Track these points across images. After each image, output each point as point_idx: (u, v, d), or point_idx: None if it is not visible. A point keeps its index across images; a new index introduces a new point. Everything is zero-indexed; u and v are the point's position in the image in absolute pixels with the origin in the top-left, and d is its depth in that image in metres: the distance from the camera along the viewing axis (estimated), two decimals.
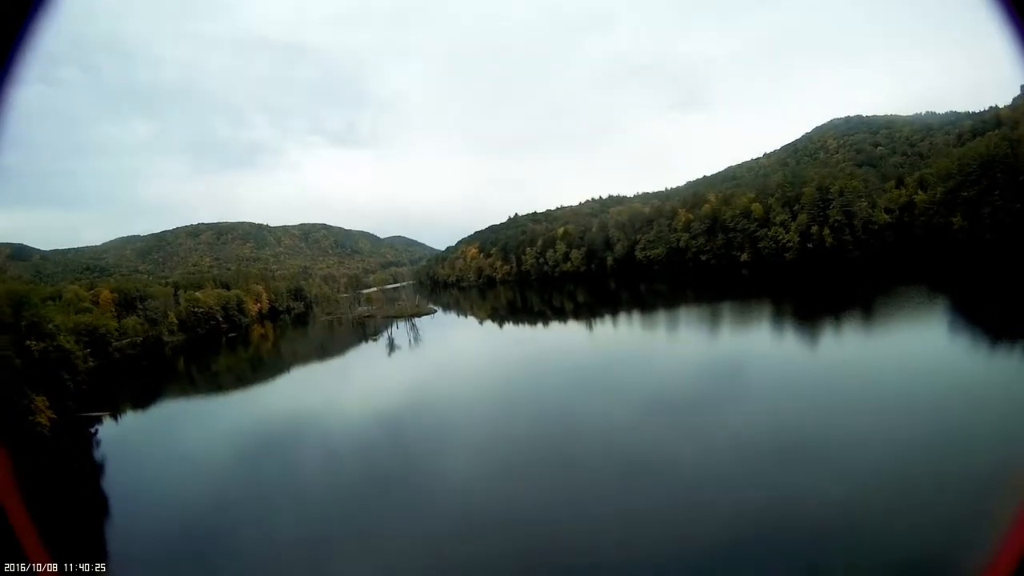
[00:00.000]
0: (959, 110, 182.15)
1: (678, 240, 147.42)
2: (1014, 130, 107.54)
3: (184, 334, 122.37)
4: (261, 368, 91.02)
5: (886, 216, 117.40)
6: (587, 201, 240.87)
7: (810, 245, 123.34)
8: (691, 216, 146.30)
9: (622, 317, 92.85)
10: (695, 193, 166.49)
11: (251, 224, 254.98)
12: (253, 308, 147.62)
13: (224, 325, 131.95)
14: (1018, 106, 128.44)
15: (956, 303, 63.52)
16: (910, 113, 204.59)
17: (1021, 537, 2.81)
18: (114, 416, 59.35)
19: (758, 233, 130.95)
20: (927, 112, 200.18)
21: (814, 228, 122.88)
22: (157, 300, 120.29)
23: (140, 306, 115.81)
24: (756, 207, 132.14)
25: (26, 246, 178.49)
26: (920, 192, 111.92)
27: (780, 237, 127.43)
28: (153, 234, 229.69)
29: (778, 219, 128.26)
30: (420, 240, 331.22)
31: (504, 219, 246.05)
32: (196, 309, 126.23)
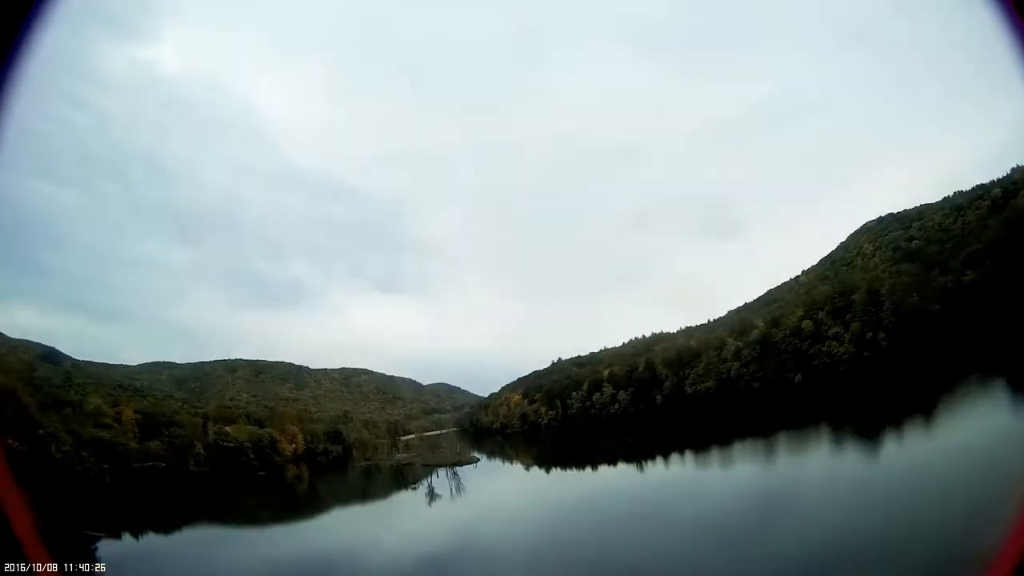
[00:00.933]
0: (983, 181, 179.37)
1: (728, 370, 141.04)
2: None
3: (210, 467, 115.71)
4: (293, 506, 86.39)
5: (936, 305, 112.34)
6: (630, 341, 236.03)
7: (866, 353, 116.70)
8: (740, 343, 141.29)
9: (671, 455, 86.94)
10: (742, 319, 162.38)
11: (290, 364, 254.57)
12: (288, 448, 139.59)
13: (255, 463, 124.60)
14: None
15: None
16: (938, 198, 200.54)
17: (1021, 538, 2.88)
18: (114, 537, 55.73)
19: (811, 351, 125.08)
20: (954, 192, 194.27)
21: (868, 334, 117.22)
22: (184, 428, 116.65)
23: (166, 432, 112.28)
24: (806, 323, 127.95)
25: (57, 351, 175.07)
26: (968, 272, 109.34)
27: (834, 350, 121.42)
28: (191, 363, 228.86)
29: (830, 332, 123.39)
30: (463, 387, 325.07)
31: (547, 364, 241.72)
32: (225, 443, 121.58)
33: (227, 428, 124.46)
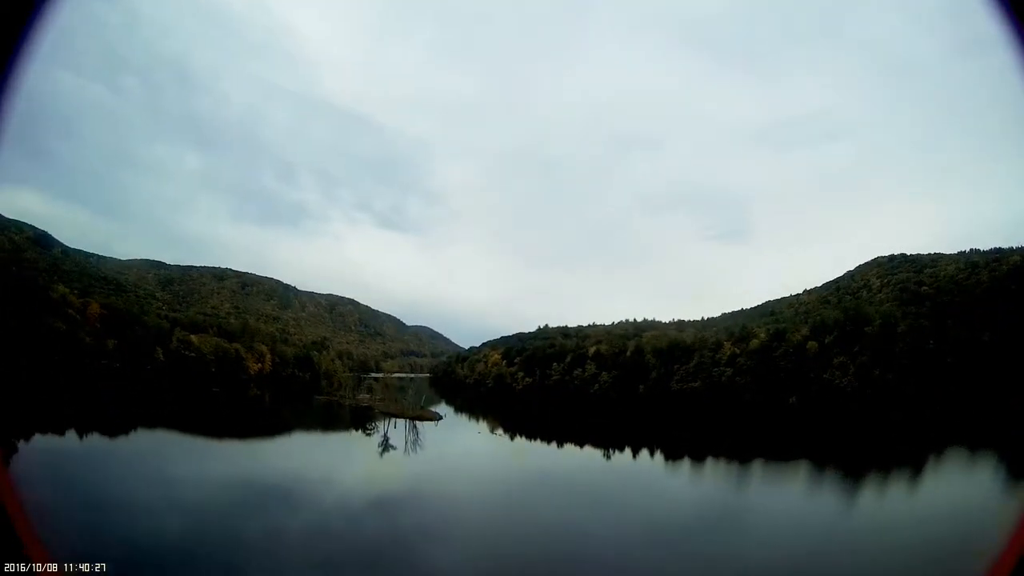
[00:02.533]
0: (1001, 244, 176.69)
1: (721, 375, 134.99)
2: None
3: (167, 374, 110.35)
4: (244, 428, 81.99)
5: (950, 358, 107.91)
6: (620, 322, 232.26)
7: (870, 392, 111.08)
8: (737, 350, 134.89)
9: (642, 450, 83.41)
10: (744, 327, 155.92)
11: (278, 282, 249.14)
12: (254, 367, 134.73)
13: (216, 376, 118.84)
14: None
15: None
16: (954, 251, 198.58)
17: (1021, 538, 2.96)
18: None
19: (812, 374, 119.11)
20: (971, 249, 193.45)
21: (876, 371, 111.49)
22: (149, 331, 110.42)
23: (129, 332, 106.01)
24: (812, 344, 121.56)
25: (50, 236, 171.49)
26: (987, 332, 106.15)
27: (837, 379, 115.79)
28: (180, 266, 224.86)
29: (836, 360, 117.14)
30: (445, 335, 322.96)
31: (533, 328, 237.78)
32: (187, 352, 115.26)
33: (192, 337, 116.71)
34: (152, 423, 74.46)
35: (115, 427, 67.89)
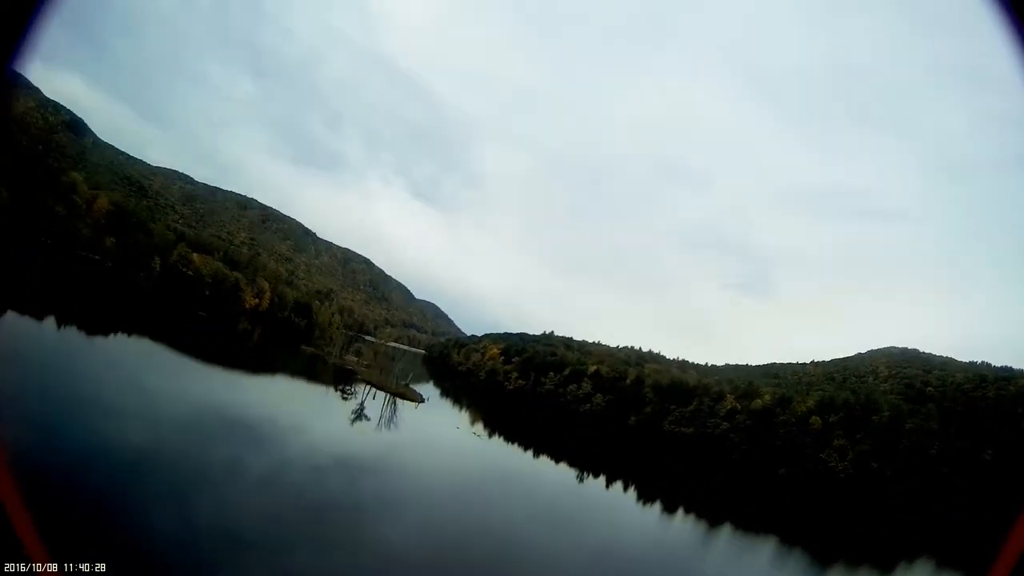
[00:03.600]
0: (1013, 365, 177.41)
1: (716, 426, 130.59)
2: None
3: (158, 286, 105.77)
4: (226, 357, 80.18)
5: (946, 468, 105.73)
6: (625, 347, 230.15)
7: (866, 483, 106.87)
8: (739, 406, 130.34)
9: (617, 483, 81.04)
10: (750, 383, 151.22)
11: (299, 224, 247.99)
12: (251, 301, 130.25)
13: (209, 301, 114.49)
14: None
15: None
16: (965, 359, 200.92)
17: (1021, 538, 2.91)
18: None
19: (808, 451, 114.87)
20: (982, 362, 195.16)
21: (874, 464, 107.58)
22: (152, 238, 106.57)
23: (131, 235, 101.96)
24: (815, 420, 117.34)
25: (86, 124, 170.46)
26: (988, 451, 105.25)
27: (833, 462, 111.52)
28: (207, 185, 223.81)
29: (836, 442, 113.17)
30: (450, 316, 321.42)
31: (538, 331, 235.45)
32: (185, 268, 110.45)
33: (194, 255, 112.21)
34: (132, 330, 72.66)
35: (94, 325, 66.47)
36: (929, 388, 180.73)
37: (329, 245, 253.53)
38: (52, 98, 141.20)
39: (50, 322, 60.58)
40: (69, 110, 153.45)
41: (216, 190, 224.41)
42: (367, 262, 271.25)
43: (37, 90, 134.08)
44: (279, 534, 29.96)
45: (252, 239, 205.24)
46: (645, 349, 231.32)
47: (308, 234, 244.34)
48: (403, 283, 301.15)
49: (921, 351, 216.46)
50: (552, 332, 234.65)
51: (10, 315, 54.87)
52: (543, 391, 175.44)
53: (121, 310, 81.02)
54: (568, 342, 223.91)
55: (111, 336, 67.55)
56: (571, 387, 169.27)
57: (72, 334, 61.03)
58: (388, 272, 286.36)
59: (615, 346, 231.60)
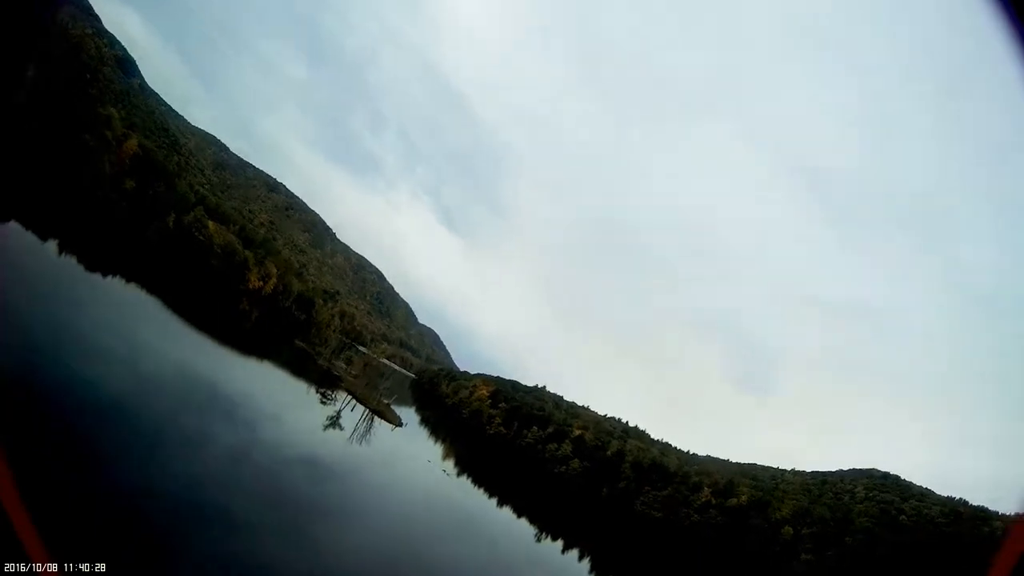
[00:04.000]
0: (989, 507, 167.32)
1: (688, 517, 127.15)
2: None
3: (167, 245, 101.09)
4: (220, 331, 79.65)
5: None
6: (610, 417, 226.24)
7: None
8: (714, 500, 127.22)
9: (574, 552, 79.22)
10: (730, 481, 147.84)
11: (321, 220, 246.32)
12: (255, 282, 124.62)
13: (213, 273, 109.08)
14: None
15: None
16: (944, 493, 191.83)
17: (1021, 538, 3.03)
18: None
19: (775, 560, 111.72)
20: (960, 498, 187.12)
21: None
22: (172, 193, 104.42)
23: (152, 184, 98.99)
24: (787, 529, 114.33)
25: (136, 65, 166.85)
26: None
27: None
28: (240, 158, 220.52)
29: (804, 557, 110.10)
30: (448, 347, 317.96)
31: (531, 383, 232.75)
32: (198, 233, 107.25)
33: (210, 222, 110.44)
34: (131, 278, 72.19)
35: (95, 262, 66.11)
36: (903, 517, 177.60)
37: (345, 248, 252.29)
38: (110, 30, 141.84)
39: (51, 245, 60.84)
40: (124, 47, 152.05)
41: (248, 165, 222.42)
42: (379, 274, 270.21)
43: (97, 18, 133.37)
44: (234, 515, 30.18)
45: (272, 222, 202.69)
46: (632, 424, 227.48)
47: (328, 232, 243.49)
48: (409, 303, 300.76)
49: (902, 478, 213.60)
50: (544, 387, 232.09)
51: (13, 224, 54.44)
52: (523, 443, 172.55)
53: (124, 255, 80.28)
54: (558, 400, 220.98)
55: (110, 277, 67.62)
56: (551, 446, 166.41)
57: (71, 264, 61.07)
58: (397, 289, 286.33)
59: (603, 414, 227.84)
